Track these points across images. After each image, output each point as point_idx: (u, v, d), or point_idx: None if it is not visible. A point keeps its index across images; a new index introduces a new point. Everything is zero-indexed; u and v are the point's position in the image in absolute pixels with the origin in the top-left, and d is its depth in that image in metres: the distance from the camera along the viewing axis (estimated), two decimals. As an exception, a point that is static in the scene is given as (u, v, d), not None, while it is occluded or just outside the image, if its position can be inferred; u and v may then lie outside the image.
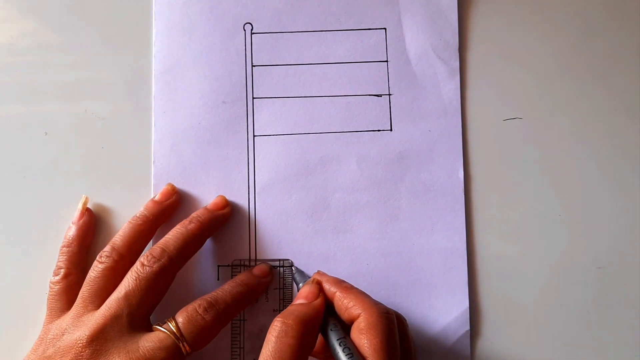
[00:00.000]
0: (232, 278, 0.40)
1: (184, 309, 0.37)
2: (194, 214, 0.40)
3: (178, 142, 0.42)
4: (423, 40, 0.43)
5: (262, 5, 0.43)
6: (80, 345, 0.35)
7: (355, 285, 0.36)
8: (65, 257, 0.40)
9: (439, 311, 0.41)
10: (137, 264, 0.37)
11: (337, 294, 0.35)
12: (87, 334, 0.35)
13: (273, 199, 0.42)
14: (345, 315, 0.35)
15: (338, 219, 0.42)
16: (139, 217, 0.40)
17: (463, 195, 0.42)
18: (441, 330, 0.41)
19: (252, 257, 0.42)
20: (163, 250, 0.37)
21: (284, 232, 0.42)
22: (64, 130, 0.43)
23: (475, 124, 0.43)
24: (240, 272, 0.41)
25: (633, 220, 0.42)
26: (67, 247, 0.40)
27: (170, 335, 0.35)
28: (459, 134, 0.42)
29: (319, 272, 0.38)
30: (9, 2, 0.44)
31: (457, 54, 0.43)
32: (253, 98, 0.42)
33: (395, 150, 0.42)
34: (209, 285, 0.41)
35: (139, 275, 0.36)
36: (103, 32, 0.43)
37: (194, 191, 0.42)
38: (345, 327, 0.35)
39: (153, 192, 0.42)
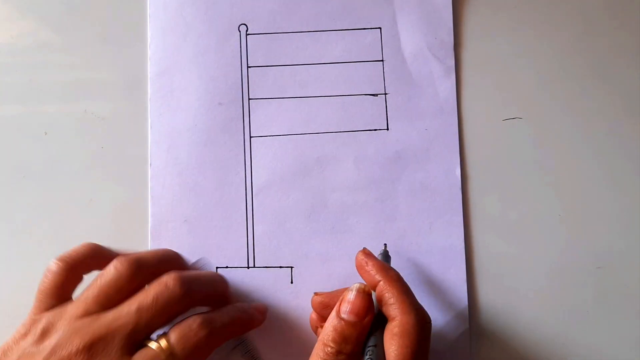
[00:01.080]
0: (229, 280, 0.41)
1: (177, 325, 0.36)
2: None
3: (174, 143, 0.42)
4: (418, 39, 0.42)
5: (257, 6, 0.43)
6: (73, 351, 0.33)
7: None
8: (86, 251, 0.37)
9: (438, 310, 0.41)
10: (162, 283, 0.36)
11: (381, 284, 0.35)
12: (86, 340, 0.33)
13: (270, 200, 0.42)
14: (383, 308, 0.35)
15: (336, 219, 0.42)
16: (175, 253, 0.41)
17: (460, 194, 0.42)
18: (440, 329, 0.41)
19: (250, 258, 0.42)
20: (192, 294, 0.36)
21: (282, 233, 0.42)
22: (64, 130, 0.43)
23: (472, 122, 0.42)
24: (238, 274, 0.41)
25: (633, 220, 0.42)
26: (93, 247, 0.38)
27: (161, 354, 0.34)
28: (456, 133, 0.42)
29: (364, 251, 0.38)
30: (9, 2, 0.44)
31: (453, 53, 0.42)
32: (249, 99, 0.42)
33: (392, 150, 0.42)
34: (207, 286, 0.41)
35: (159, 294, 0.35)
36: (103, 32, 0.43)
37: (190, 193, 0.42)
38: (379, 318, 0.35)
39: (150, 193, 0.42)
